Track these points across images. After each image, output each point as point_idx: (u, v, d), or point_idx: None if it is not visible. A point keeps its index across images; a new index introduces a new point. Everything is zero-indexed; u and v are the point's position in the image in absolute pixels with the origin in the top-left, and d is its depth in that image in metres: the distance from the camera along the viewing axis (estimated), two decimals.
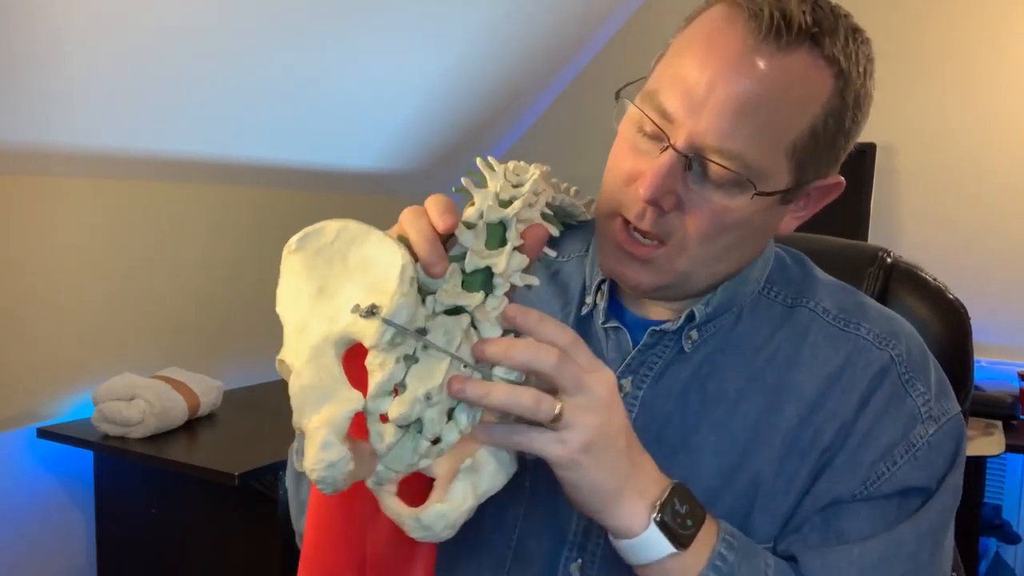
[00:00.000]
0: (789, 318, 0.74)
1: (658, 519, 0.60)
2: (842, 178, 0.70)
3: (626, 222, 0.68)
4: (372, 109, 2.37)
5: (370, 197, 2.71)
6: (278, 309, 0.58)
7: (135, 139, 1.87)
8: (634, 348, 0.73)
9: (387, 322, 0.54)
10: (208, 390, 1.90)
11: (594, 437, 0.57)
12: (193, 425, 1.85)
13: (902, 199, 2.51)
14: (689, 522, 0.61)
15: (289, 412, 0.55)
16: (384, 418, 0.55)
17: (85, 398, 1.83)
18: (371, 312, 0.54)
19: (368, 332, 0.54)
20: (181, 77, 1.81)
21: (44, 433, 1.76)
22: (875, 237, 2.40)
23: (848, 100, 0.65)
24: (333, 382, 0.55)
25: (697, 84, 0.63)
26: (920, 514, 0.68)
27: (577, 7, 2.59)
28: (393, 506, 0.58)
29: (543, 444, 0.57)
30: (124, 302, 1.96)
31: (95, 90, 1.69)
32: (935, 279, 0.91)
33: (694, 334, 0.72)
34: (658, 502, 0.60)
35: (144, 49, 1.69)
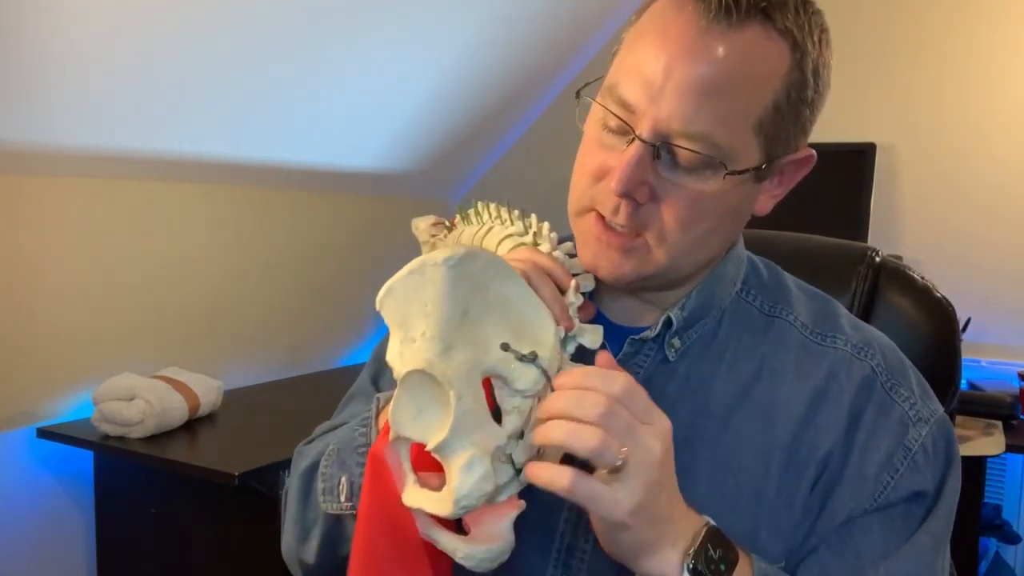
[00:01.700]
0: (768, 329, 0.74)
1: (691, 566, 0.59)
2: (813, 151, 0.70)
3: (600, 215, 0.68)
4: (372, 109, 2.37)
5: (370, 197, 2.71)
6: (382, 301, 0.57)
7: (135, 139, 1.87)
8: (615, 358, 0.72)
9: (545, 372, 0.58)
10: (208, 390, 1.90)
11: (644, 498, 0.56)
12: (193, 425, 1.85)
13: (902, 199, 2.51)
14: (723, 566, 0.60)
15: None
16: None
17: (85, 398, 1.83)
18: (532, 359, 0.58)
19: (524, 376, 0.58)
20: (181, 77, 1.81)
21: (44, 433, 1.76)
22: (875, 237, 2.40)
23: (807, 71, 0.65)
24: (484, 412, 0.57)
25: (655, 72, 0.63)
26: (931, 522, 0.68)
27: (576, 8, 2.59)
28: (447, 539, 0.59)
29: (598, 500, 0.56)
30: (124, 302, 1.96)
31: (96, 90, 1.69)
32: (923, 277, 0.91)
33: (676, 342, 0.72)
34: (691, 549, 0.59)
35: (145, 49, 1.69)
